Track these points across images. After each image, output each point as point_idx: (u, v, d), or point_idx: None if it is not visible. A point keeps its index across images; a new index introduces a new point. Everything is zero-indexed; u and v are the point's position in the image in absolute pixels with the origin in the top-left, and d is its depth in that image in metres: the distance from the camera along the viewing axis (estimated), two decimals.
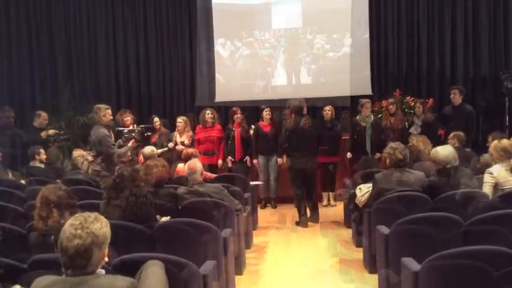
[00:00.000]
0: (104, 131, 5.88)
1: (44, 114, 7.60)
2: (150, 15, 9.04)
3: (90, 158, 5.51)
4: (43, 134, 7.34)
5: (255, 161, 7.27)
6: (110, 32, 9.07)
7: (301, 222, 6.30)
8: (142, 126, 6.94)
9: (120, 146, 6.09)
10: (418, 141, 5.24)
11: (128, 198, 3.49)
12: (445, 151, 4.32)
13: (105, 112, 5.94)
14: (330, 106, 7.36)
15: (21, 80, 9.05)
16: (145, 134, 6.73)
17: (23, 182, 6.15)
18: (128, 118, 7.50)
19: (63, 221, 2.83)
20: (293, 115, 6.27)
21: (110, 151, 5.78)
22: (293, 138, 6.19)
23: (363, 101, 7.33)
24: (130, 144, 6.09)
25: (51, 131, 7.40)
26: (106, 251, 2.08)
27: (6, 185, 5.73)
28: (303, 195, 6.32)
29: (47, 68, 9.12)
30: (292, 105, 6.31)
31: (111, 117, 6.15)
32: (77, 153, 5.79)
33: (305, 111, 6.40)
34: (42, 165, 6.55)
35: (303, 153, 6.19)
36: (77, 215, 2.08)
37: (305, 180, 6.31)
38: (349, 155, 7.28)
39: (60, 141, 7.37)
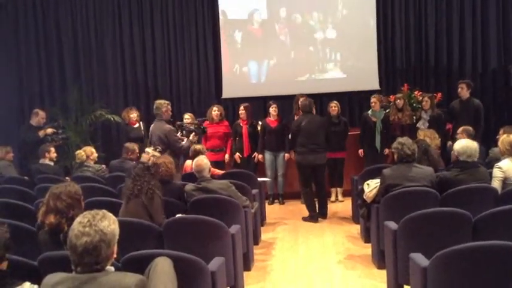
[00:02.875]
0: (169, 126, 5.86)
1: (41, 113, 7.50)
2: (157, 13, 9.04)
3: (157, 153, 5.47)
4: (41, 133, 7.23)
5: (260, 156, 7.26)
6: (117, 30, 9.08)
7: (312, 217, 6.30)
8: (200, 119, 6.90)
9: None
10: (425, 135, 5.21)
11: (134, 187, 3.74)
12: (464, 143, 4.28)
13: (167, 108, 5.92)
14: (336, 102, 7.33)
15: (30, 79, 9.09)
16: (202, 127, 6.62)
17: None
18: (134, 115, 7.54)
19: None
20: (301, 112, 6.32)
21: (177, 145, 5.76)
22: (302, 134, 6.19)
23: (375, 95, 7.31)
24: (191, 137, 6.11)
25: (49, 130, 7.32)
26: (115, 248, 2.10)
27: (17, 183, 5.80)
28: (312, 191, 6.34)
29: (55, 66, 9.15)
30: (301, 104, 6.39)
31: (171, 113, 6.15)
32: (149, 151, 5.66)
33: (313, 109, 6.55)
34: (52, 163, 6.59)
35: (309, 148, 6.20)
36: (85, 213, 2.09)
37: (315, 176, 6.31)
38: (361, 152, 7.25)
39: (58, 140, 7.29)
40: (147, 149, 5.66)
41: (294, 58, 8.87)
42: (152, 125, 6.10)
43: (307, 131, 6.20)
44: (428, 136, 5.15)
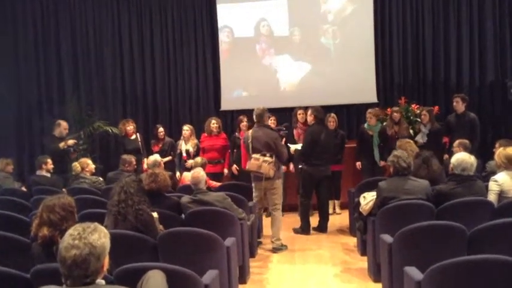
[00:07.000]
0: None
1: (64, 124, 7.49)
2: (156, 26, 9.09)
3: (267, 158, 5.44)
4: (61, 144, 7.22)
5: None
6: (116, 41, 9.13)
7: (304, 230, 6.30)
8: (286, 124, 6.86)
9: None
10: (399, 146, 5.22)
11: (118, 205, 3.60)
12: (460, 156, 4.28)
13: (267, 114, 5.93)
14: (334, 115, 7.34)
15: (28, 90, 9.10)
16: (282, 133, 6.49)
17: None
18: (131, 127, 7.54)
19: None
20: (314, 123, 6.33)
21: (284, 151, 5.76)
22: (317, 146, 6.21)
23: (370, 110, 7.34)
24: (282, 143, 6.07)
25: (70, 141, 7.34)
26: (106, 261, 2.08)
27: (12, 195, 5.79)
28: (310, 204, 6.36)
29: (53, 77, 9.17)
30: (317, 113, 6.34)
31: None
32: (257, 157, 5.51)
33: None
34: (49, 175, 6.58)
35: (323, 161, 6.25)
36: (76, 225, 2.08)
37: (319, 188, 6.35)
38: (358, 165, 7.26)
39: (78, 151, 7.33)
40: (254, 155, 5.56)
41: (291, 72, 8.88)
42: (254, 131, 5.82)
43: (325, 144, 6.26)
44: (403, 148, 5.12)
